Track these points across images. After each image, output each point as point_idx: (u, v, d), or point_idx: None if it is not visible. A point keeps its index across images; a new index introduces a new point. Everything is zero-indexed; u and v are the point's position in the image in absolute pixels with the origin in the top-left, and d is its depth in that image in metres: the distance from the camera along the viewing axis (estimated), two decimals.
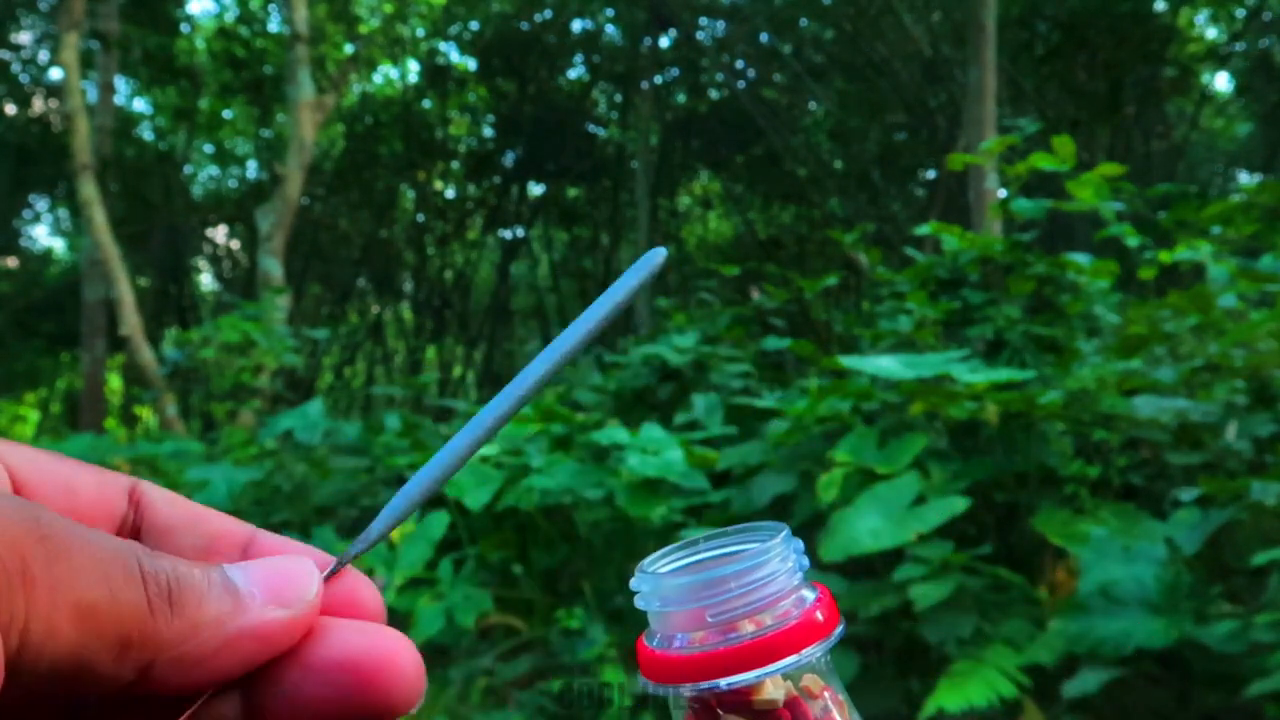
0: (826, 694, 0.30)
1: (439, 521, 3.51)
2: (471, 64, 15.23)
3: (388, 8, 13.20)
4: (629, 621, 3.09)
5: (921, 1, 12.05)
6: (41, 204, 16.29)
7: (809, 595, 0.31)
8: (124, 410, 14.78)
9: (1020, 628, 2.62)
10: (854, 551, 2.71)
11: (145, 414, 14.17)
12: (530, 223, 16.88)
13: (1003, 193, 5.68)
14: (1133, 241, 3.66)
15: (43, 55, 13.91)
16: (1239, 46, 12.68)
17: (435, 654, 3.45)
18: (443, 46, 14.91)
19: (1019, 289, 3.82)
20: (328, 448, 4.95)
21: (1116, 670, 2.37)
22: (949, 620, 2.61)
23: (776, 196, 15.51)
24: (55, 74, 13.09)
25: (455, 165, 16.48)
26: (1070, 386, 3.31)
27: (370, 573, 3.39)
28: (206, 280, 18.01)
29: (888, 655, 2.92)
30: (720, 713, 0.29)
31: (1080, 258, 3.78)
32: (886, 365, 3.34)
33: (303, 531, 4.24)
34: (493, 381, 15.44)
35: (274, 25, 13.97)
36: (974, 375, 3.11)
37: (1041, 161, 3.75)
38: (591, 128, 16.15)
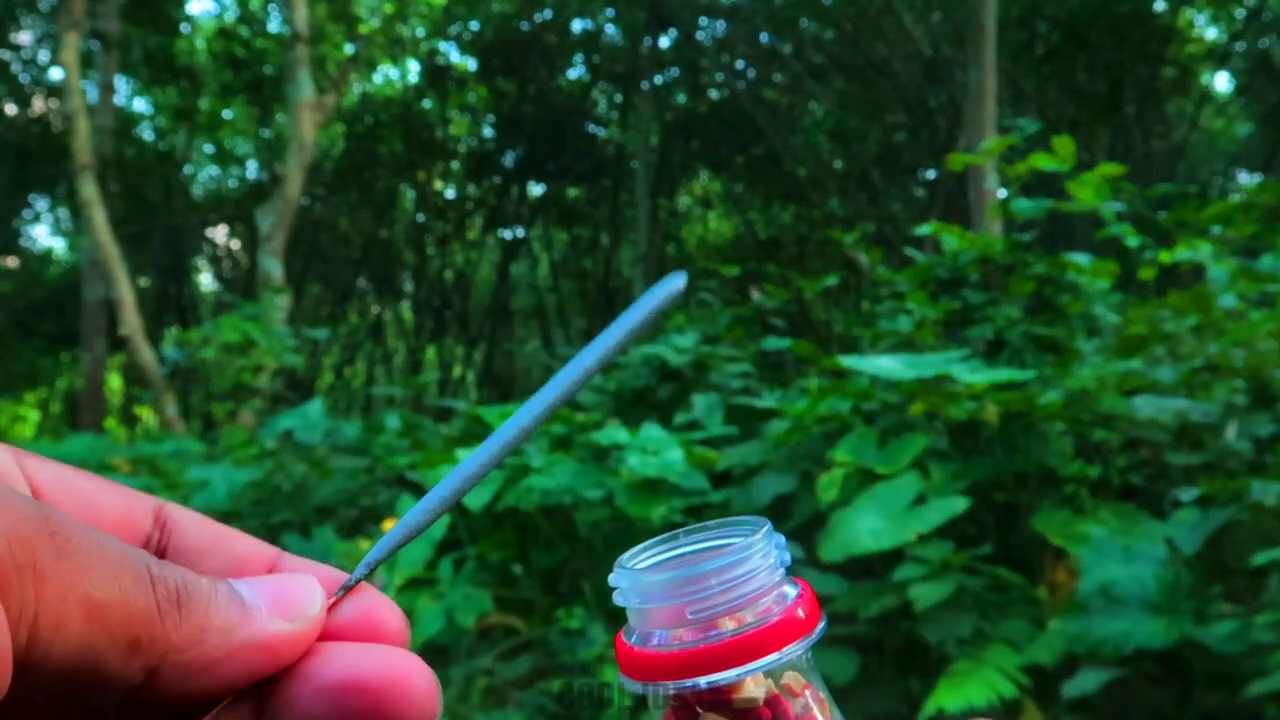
0: (807, 692, 0.30)
1: (439, 521, 3.51)
2: (471, 64, 15.23)
3: (388, 8, 13.20)
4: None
5: (921, 1, 12.05)
6: (41, 204, 16.30)
7: (790, 592, 0.30)
8: (124, 410, 14.79)
9: (1020, 628, 2.62)
10: (854, 551, 2.71)
11: (145, 414, 14.18)
12: (530, 223, 16.88)
13: (1003, 193, 5.68)
14: (1133, 241, 3.66)
15: (43, 55, 13.92)
16: (1239, 46, 12.69)
17: (435, 654, 3.45)
18: (443, 46, 14.91)
19: (1019, 289, 3.82)
20: (328, 448, 4.95)
21: (1116, 670, 2.37)
22: (949, 620, 2.61)
23: (776, 196, 15.51)
24: (55, 74, 13.10)
25: (455, 165, 16.48)
26: (1070, 386, 3.31)
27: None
28: (206, 280, 18.02)
29: (888, 655, 2.92)
30: (700, 711, 0.29)
31: (1080, 258, 3.78)
32: (886, 365, 3.34)
33: (303, 531, 4.24)
34: (492, 381, 15.45)
35: (274, 25, 13.98)
36: (974, 375, 3.11)
37: (1041, 161, 3.75)
38: (591, 128, 16.15)
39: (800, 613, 0.29)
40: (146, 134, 15.56)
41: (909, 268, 4.22)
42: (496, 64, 14.86)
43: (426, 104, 15.49)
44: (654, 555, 0.32)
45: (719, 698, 0.29)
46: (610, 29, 14.81)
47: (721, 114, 14.35)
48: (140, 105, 15.39)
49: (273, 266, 8.36)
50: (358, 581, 0.30)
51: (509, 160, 16.03)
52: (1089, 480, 3.06)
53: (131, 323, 7.92)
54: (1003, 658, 2.46)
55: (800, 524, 3.24)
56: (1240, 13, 12.39)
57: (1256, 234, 3.49)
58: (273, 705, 0.27)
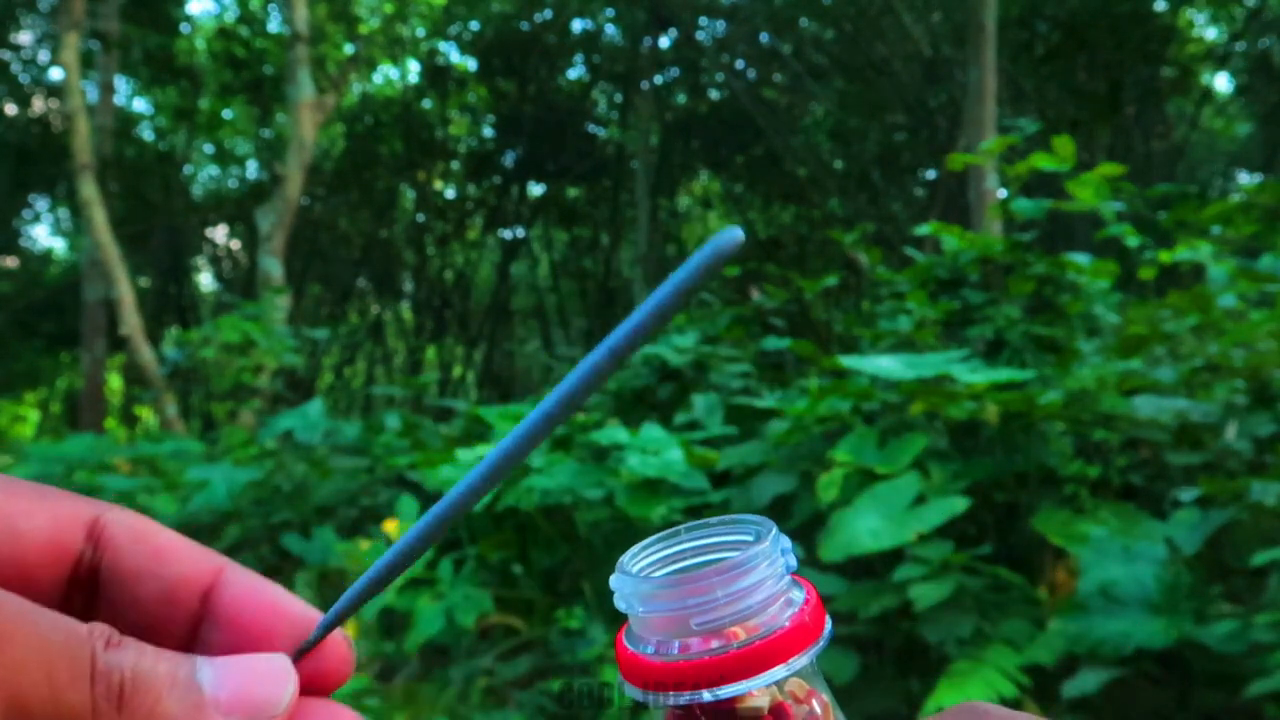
0: (813, 699, 0.29)
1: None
2: (471, 64, 15.24)
3: (388, 8, 13.20)
4: None
5: (921, 1, 12.05)
6: (41, 204, 16.30)
7: (796, 598, 0.30)
8: (124, 410, 14.79)
9: (1020, 628, 2.62)
10: (854, 551, 2.71)
11: (145, 414, 14.18)
12: (530, 223, 16.88)
13: (1003, 193, 5.68)
14: (1133, 241, 3.66)
15: (43, 55, 13.92)
16: (1239, 46, 12.69)
17: (435, 654, 3.45)
18: (443, 46, 14.91)
19: (1019, 289, 3.82)
20: (328, 448, 4.96)
21: (1116, 670, 2.37)
22: (949, 620, 2.61)
23: (776, 196, 15.51)
24: (55, 74, 13.10)
25: (455, 165, 16.48)
26: (1070, 386, 3.31)
27: None
28: (206, 280, 18.02)
29: (888, 655, 2.92)
30: (702, 718, 0.28)
31: (1080, 258, 3.78)
32: (886, 365, 3.34)
33: (303, 531, 4.24)
34: (493, 381, 15.45)
35: (274, 25, 13.98)
36: (974, 375, 3.11)
37: (1041, 161, 3.75)
38: (591, 128, 16.15)
39: (807, 620, 0.29)
40: (146, 134, 15.56)
41: (909, 268, 4.22)
42: (496, 64, 14.87)
43: (426, 104, 15.49)
44: (655, 552, 0.32)
45: (723, 706, 0.28)
46: (610, 29, 14.82)
47: (721, 114, 14.35)
48: (140, 105, 15.41)
49: (273, 266, 8.36)
50: (316, 643, 0.28)
51: (509, 160, 16.03)
52: (1089, 480, 3.06)
53: (131, 323, 7.92)
54: (1003, 658, 2.46)
55: (800, 524, 3.24)
56: (1240, 13, 12.40)
57: (1256, 234, 3.49)
58: None
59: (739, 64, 14.06)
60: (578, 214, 17.04)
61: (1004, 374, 3.11)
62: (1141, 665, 2.51)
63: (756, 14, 13.10)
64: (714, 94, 14.98)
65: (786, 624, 0.28)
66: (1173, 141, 12.85)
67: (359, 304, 17.83)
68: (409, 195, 16.76)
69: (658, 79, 14.50)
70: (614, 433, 3.64)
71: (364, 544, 3.61)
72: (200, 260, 17.39)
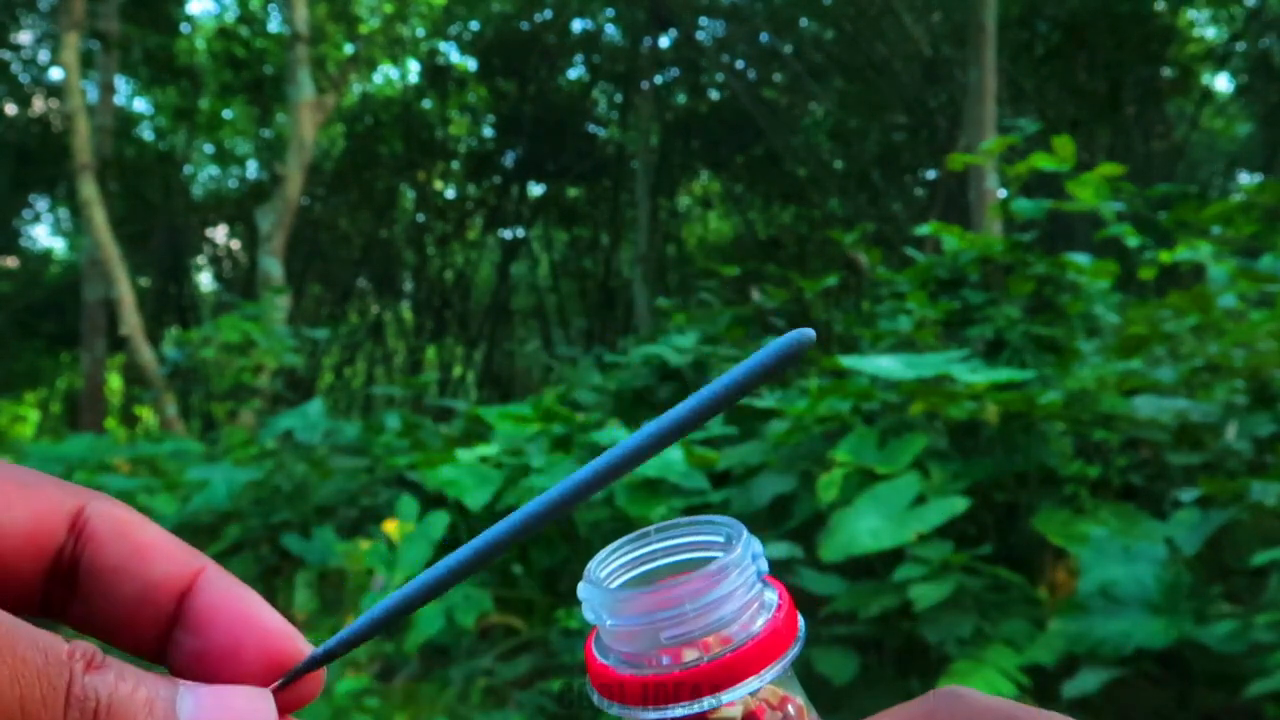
0: (789, 705, 0.29)
1: (439, 521, 3.51)
2: (471, 64, 15.24)
3: (388, 8, 13.20)
4: None
5: (921, 1, 12.05)
6: (41, 204, 16.31)
7: (769, 601, 0.29)
8: (124, 410, 14.79)
9: (1020, 628, 2.62)
10: (854, 551, 2.71)
11: (145, 414, 14.18)
12: (530, 223, 16.88)
13: (1003, 193, 5.68)
14: (1133, 241, 3.66)
15: (43, 55, 13.92)
16: (1239, 46, 12.69)
17: (435, 654, 3.45)
18: (443, 46, 14.91)
19: (1019, 289, 3.82)
20: (328, 448, 4.95)
21: (1116, 670, 2.37)
22: (949, 620, 2.61)
23: (776, 196, 15.52)
24: (55, 74, 13.11)
25: (455, 165, 16.49)
26: (1070, 386, 3.31)
27: (370, 573, 3.39)
28: (206, 280, 18.02)
29: (888, 655, 2.93)
30: None
31: (1080, 258, 3.78)
32: (886, 365, 3.34)
33: (303, 531, 4.24)
34: (493, 381, 15.46)
35: (274, 25, 13.98)
36: (974, 375, 3.11)
37: (1041, 161, 3.75)
38: (591, 128, 16.15)
39: (780, 626, 0.28)
40: (146, 134, 15.56)
41: (909, 268, 4.22)
42: (496, 64, 14.87)
43: (426, 104, 15.50)
44: (624, 555, 0.31)
45: (696, 717, 0.28)
46: (610, 29, 14.82)
47: (721, 114, 14.35)
48: (140, 105, 15.41)
49: (273, 266, 8.36)
50: (302, 674, 0.27)
51: (509, 160, 16.04)
52: (1089, 480, 3.06)
53: (131, 323, 7.92)
54: (1003, 658, 2.46)
55: (800, 524, 3.24)
56: (1240, 13, 12.40)
57: (1256, 234, 3.49)
58: None
59: (739, 64, 14.06)
60: (578, 214, 17.04)
61: (1004, 374, 3.11)
62: (1141, 665, 2.51)
63: (756, 14, 13.11)
64: (714, 94, 14.98)
65: (759, 633, 0.28)
66: (1173, 141, 12.85)
67: (359, 304, 17.83)
68: (409, 195, 16.76)
69: (658, 79, 14.50)
70: (614, 433, 3.64)
71: (364, 544, 3.61)
72: (200, 260, 17.40)
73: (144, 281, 14.79)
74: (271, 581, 4.10)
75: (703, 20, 13.93)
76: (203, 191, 17.07)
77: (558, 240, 17.68)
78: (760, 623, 0.28)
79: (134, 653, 0.27)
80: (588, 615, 0.29)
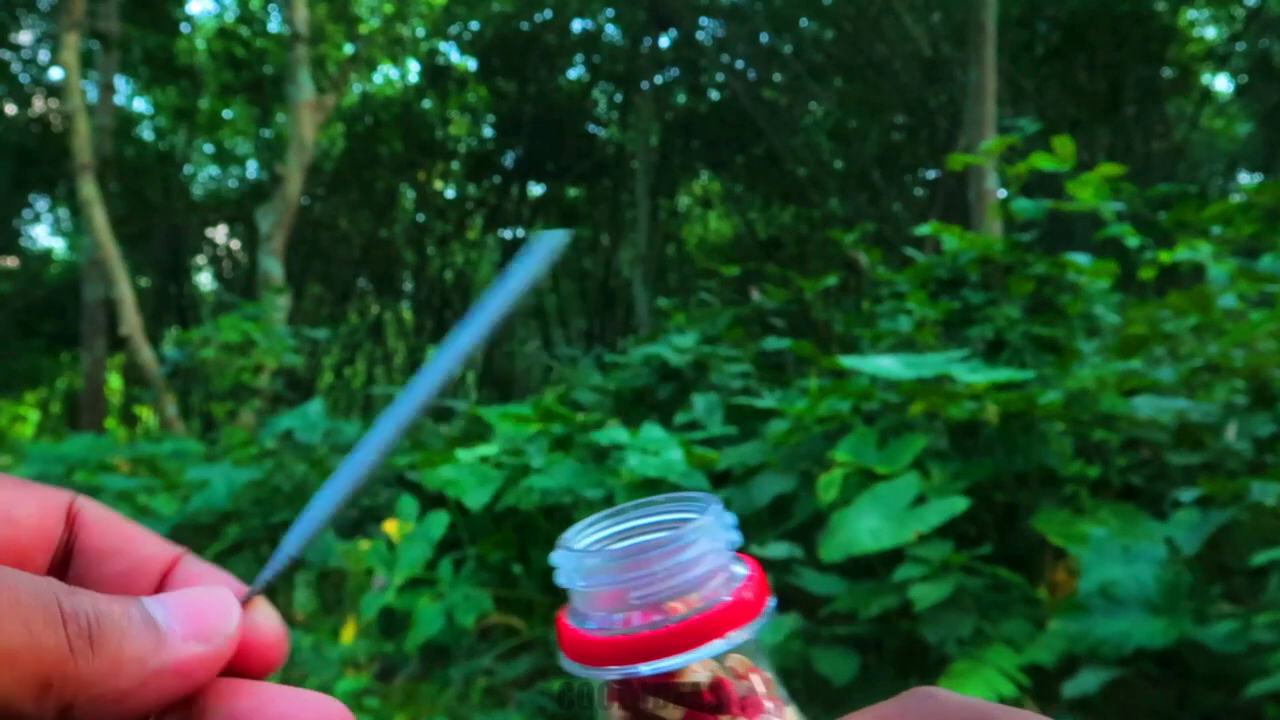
0: (753, 675, 0.29)
1: (439, 521, 3.51)
2: (471, 64, 15.24)
3: (388, 8, 13.20)
4: None
5: (921, 1, 12.05)
6: (41, 204, 16.30)
7: (738, 574, 0.30)
8: (124, 410, 14.79)
9: (1020, 628, 2.62)
10: (854, 551, 2.71)
11: (145, 414, 14.18)
12: (530, 223, 16.88)
13: (1003, 193, 5.69)
14: (1133, 242, 3.66)
15: (43, 55, 13.92)
16: (1239, 46, 12.69)
17: (435, 654, 3.45)
18: (443, 46, 14.92)
19: (1019, 289, 3.82)
20: (328, 448, 4.95)
21: (1116, 670, 2.37)
22: (949, 620, 2.61)
23: (776, 196, 15.52)
24: (55, 74, 13.10)
25: (455, 165, 16.49)
26: (1070, 386, 3.31)
27: (370, 573, 3.39)
28: (206, 280, 18.02)
29: (888, 655, 2.92)
30: (642, 693, 0.29)
31: (1080, 258, 3.78)
32: (886, 365, 3.34)
33: None
34: (492, 381, 15.46)
35: (274, 25, 13.98)
36: (974, 375, 3.11)
37: (1041, 161, 3.75)
38: (591, 128, 16.16)
39: (747, 596, 0.29)
40: (146, 134, 15.57)
41: (909, 268, 4.22)
42: (496, 64, 14.87)
43: (426, 104, 15.50)
44: (601, 529, 0.32)
45: (662, 680, 0.28)
46: (610, 29, 14.82)
47: (721, 114, 14.36)
48: (140, 105, 15.41)
49: (273, 266, 8.36)
50: (254, 596, 0.30)
51: (509, 160, 16.04)
52: (1089, 480, 3.06)
53: (131, 323, 7.92)
54: (1003, 658, 2.46)
55: (800, 524, 3.24)
56: (1240, 13, 12.40)
57: (1256, 234, 3.48)
58: None
59: (739, 64, 14.06)
60: (578, 214, 17.04)
61: (1004, 374, 3.11)
62: (1141, 665, 2.51)
63: (756, 14, 13.11)
64: (714, 94, 14.99)
65: (727, 598, 0.28)
66: (1173, 141, 12.85)
67: (359, 304, 17.84)
68: (409, 195, 16.77)
69: (658, 79, 14.51)
70: (614, 433, 3.64)
71: (364, 544, 3.61)
72: (200, 260, 17.40)
73: (144, 281, 14.79)
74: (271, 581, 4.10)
75: (703, 20, 13.93)
76: (203, 191, 17.08)
77: None
78: (729, 589, 0.29)
79: None
80: (560, 580, 0.30)
